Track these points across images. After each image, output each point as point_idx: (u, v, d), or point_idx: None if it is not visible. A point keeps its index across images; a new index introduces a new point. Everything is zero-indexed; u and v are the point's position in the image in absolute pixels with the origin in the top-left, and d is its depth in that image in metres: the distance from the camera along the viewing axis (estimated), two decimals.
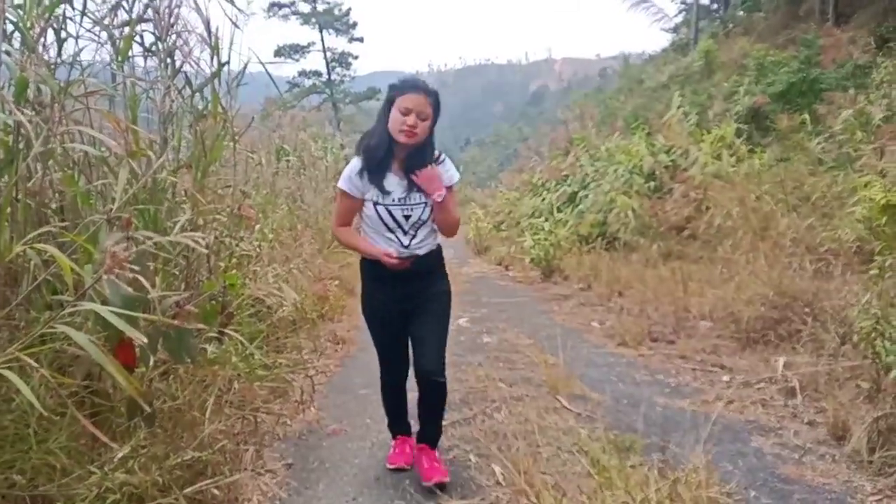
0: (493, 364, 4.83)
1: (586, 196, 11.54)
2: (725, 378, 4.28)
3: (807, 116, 9.77)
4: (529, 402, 3.84)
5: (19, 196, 2.43)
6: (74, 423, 1.98)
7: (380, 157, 2.58)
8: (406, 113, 2.49)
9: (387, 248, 2.63)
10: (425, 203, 2.63)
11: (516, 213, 15.41)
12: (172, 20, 3.46)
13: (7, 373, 1.58)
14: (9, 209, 2.29)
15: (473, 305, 7.74)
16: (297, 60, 40.69)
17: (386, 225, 2.64)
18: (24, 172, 2.42)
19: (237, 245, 3.87)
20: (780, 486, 2.67)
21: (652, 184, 10.32)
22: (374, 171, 2.61)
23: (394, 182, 2.62)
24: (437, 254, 2.80)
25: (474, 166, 60.38)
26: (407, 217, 2.63)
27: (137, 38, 3.48)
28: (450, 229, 2.75)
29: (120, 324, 1.65)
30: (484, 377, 4.37)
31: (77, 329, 1.83)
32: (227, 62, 3.74)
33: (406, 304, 2.72)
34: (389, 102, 2.55)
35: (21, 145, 2.41)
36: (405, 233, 2.66)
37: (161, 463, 2.19)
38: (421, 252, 2.68)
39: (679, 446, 2.87)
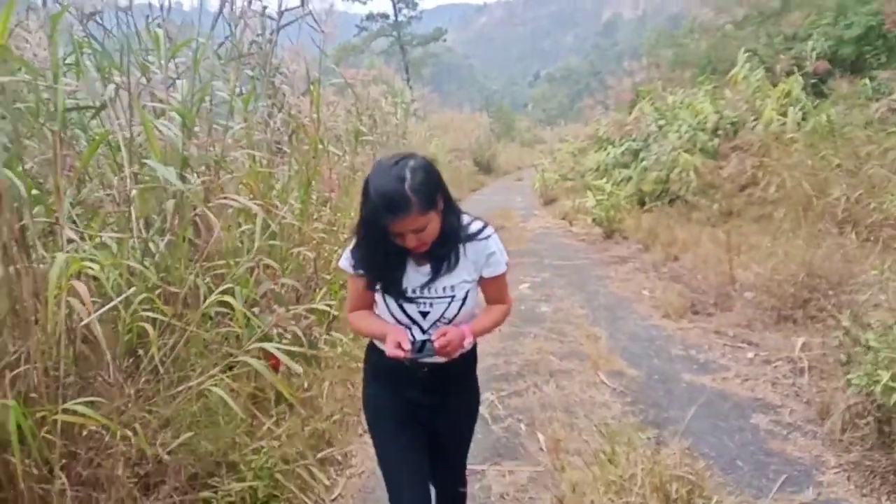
0: (548, 337, 5.62)
1: (650, 152, 11.87)
2: (750, 355, 4.94)
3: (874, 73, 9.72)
4: (576, 375, 4.64)
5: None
6: (245, 411, 2.93)
7: (392, 270, 1.91)
8: (400, 237, 1.77)
9: (400, 334, 1.90)
10: (451, 297, 1.89)
11: (580, 167, 15.79)
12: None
13: (216, 389, 2.51)
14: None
15: (535, 269, 8.50)
16: (365, 3, 40.96)
17: (396, 320, 1.95)
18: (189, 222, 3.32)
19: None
20: (763, 459, 3.40)
21: (716, 141, 10.55)
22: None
23: (412, 274, 1.91)
24: (468, 359, 2.09)
25: (544, 103, 59.63)
26: (424, 314, 1.91)
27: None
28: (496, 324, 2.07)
29: (284, 358, 2.56)
30: (538, 350, 5.19)
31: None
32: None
33: (421, 413, 2.07)
34: None
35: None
36: (424, 331, 1.96)
37: (299, 434, 3.15)
38: (434, 360, 1.93)
39: (684, 422, 3.60)
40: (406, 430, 2.04)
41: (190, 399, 2.67)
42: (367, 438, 2.57)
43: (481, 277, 1.96)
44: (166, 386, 2.63)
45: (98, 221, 2.99)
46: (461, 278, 1.91)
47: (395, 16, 40.21)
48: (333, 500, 3.09)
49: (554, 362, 4.94)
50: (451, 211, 1.85)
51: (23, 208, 2.21)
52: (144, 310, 2.60)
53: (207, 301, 2.71)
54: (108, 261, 2.53)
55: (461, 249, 1.90)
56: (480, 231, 1.92)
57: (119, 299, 2.42)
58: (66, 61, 3.18)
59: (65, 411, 2.13)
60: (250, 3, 3.85)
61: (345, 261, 1.98)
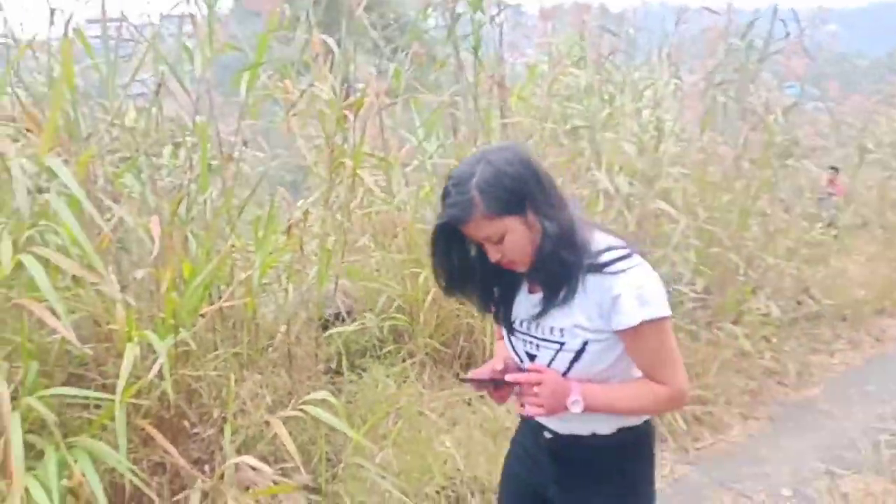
0: None
1: None
2: None
3: None
4: None
5: None
6: None
7: (482, 289, 1.52)
8: (480, 244, 1.42)
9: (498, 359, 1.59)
10: (560, 345, 1.42)
11: None
12: None
13: None
14: None
15: None
16: None
17: (515, 357, 1.55)
18: None
19: None
20: None
21: None
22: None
23: (523, 301, 1.51)
24: (617, 443, 1.49)
25: None
26: (531, 357, 1.48)
27: None
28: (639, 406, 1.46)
29: None
30: None
31: None
32: None
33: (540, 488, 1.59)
34: None
35: None
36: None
37: None
38: (557, 428, 1.52)
39: None
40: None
41: None
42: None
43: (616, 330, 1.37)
44: None
45: None
46: (575, 321, 1.38)
47: None
48: None
49: None
50: (551, 221, 1.33)
51: None
52: None
53: None
54: None
55: (581, 281, 1.37)
56: (614, 262, 1.34)
57: None
58: None
59: None
60: None
61: None
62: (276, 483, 2.16)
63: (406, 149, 4.36)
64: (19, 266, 1.90)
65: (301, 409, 2.27)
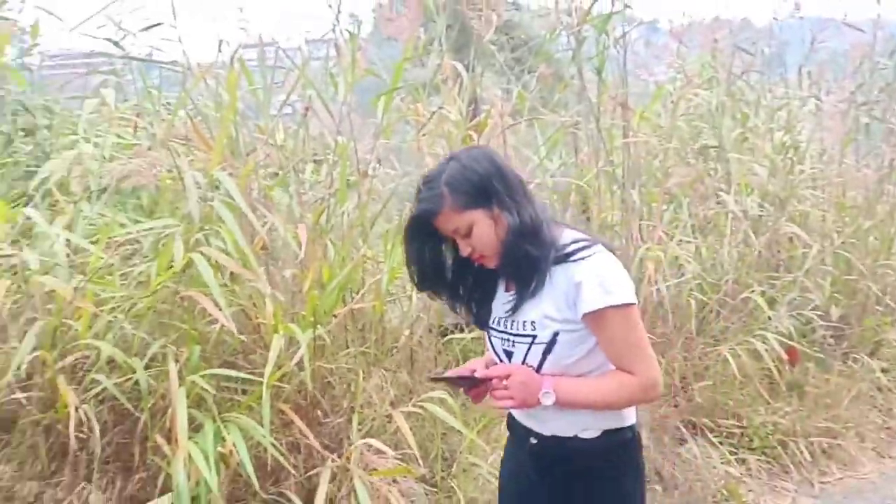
0: None
1: None
2: None
3: None
4: None
5: None
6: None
7: (451, 287, 1.56)
8: (450, 238, 1.48)
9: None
10: (532, 338, 1.44)
11: None
12: None
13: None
14: None
15: None
16: None
17: (496, 357, 1.57)
18: None
19: None
20: None
21: None
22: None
23: (499, 299, 1.55)
24: (601, 445, 1.48)
25: None
26: (509, 354, 1.50)
27: None
28: (604, 405, 1.45)
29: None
30: None
31: None
32: None
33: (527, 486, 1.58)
34: None
35: None
36: None
37: (803, 423, 3.44)
38: (540, 429, 1.52)
39: None
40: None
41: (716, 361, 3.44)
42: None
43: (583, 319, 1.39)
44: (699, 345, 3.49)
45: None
46: (544, 312, 1.42)
47: None
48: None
49: None
50: (513, 215, 1.39)
51: None
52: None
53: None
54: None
55: (549, 273, 1.41)
56: (576, 252, 1.40)
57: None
58: None
59: None
60: None
61: None
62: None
63: (529, 168, 4.49)
64: (188, 264, 2.23)
65: (421, 406, 2.45)
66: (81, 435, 2.09)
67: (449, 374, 1.62)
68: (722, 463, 3.18)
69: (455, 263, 1.51)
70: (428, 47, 4.71)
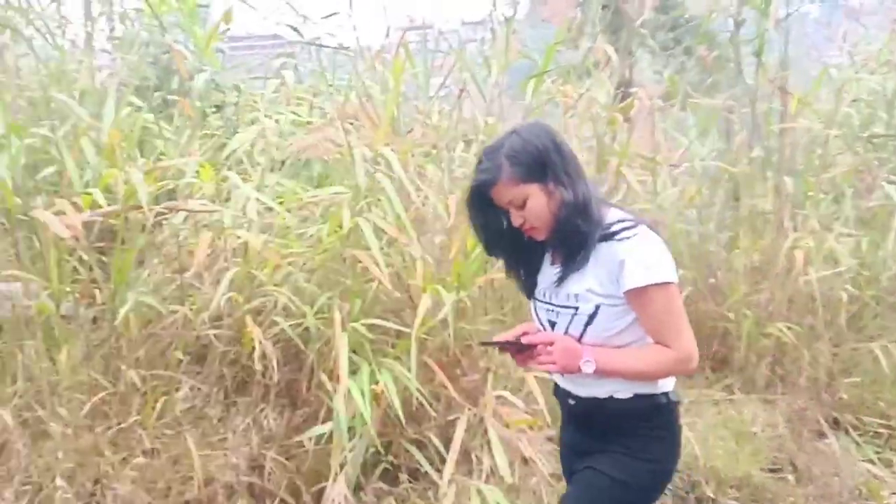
0: None
1: None
2: None
3: None
4: None
5: None
6: None
7: (511, 255, 1.69)
8: (505, 208, 1.56)
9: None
10: (574, 309, 1.54)
11: None
12: None
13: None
14: None
15: None
16: None
17: (539, 326, 1.69)
18: None
19: None
20: None
21: None
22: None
23: (546, 271, 1.64)
24: (621, 411, 1.59)
25: None
26: (553, 324, 1.61)
27: None
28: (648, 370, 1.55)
29: None
30: None
31: None
32: None
33: (573, 457, 1.73)
34: None
35: None
36: None
37: None
38: (578, 391, 1.64)
39: None
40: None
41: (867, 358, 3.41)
42: None
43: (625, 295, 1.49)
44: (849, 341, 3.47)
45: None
46: (587, 286, 1.51)
47: None
48: None
49: None
50: (568, 191, 1.48)
51: None
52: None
53: None
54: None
55: (594, 249, 1.50)
56: (621, 231, 1.48)
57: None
58: None
59: None
60: None
61: None
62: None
63: (681, 152, 4.44)
64: (354, 228, 2.55)
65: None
66: (259, 368, 2.49)
67: (498, 338, 1.74)
68: (863, 461, 3.07)
69: (507, 232, 1.59)
70: (582, 29, 4.77)
